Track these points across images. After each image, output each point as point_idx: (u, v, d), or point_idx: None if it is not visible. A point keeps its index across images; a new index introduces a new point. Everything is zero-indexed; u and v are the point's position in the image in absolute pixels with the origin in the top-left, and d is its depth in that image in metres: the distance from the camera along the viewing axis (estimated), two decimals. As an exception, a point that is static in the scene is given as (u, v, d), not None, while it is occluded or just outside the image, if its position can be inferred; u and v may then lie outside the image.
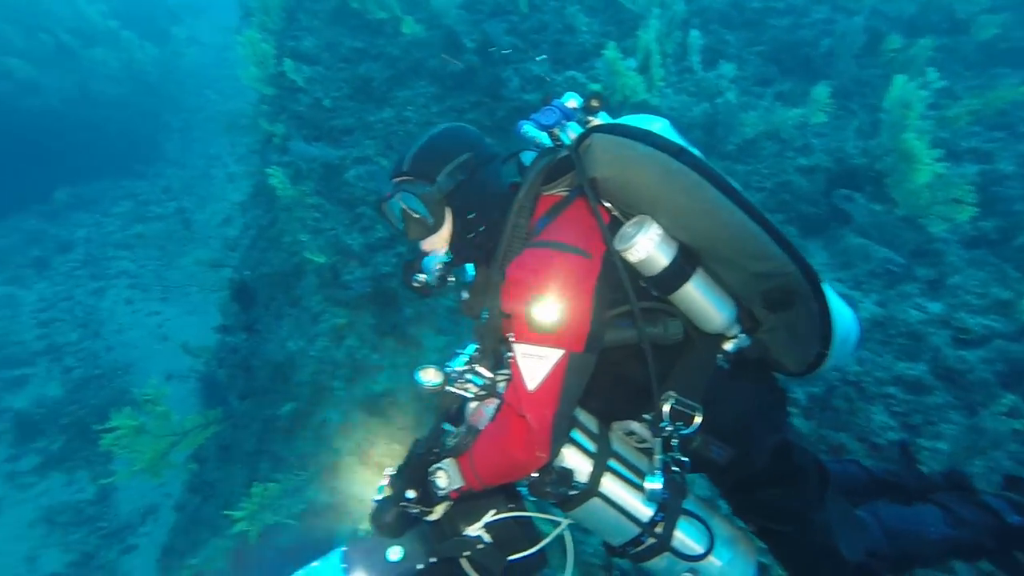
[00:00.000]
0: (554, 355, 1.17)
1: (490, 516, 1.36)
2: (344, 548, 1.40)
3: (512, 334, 1.21)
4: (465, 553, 1.33)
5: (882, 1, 4.76)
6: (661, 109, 4.45)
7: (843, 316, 1.29)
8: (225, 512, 3.60)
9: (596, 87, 4.50)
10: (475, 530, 1.35)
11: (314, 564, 1.38)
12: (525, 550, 1.35)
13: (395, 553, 1.34)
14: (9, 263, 9.15)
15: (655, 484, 1.25)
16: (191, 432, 4.43)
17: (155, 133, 11.94)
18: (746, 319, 1.30)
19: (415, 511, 1.33)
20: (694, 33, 4.32)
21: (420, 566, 1.35)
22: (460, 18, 5.13)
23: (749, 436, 1.33)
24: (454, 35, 4.86)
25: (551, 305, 1.16)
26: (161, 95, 12.16)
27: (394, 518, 1.33)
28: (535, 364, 1.18)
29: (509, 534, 1.37)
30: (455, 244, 1.42)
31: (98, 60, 10.84)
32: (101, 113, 11.04)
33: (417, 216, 1.39)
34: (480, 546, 1.33)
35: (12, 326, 8.14)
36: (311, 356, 4.32)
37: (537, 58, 4.02)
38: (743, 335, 1.30)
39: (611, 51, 4.06)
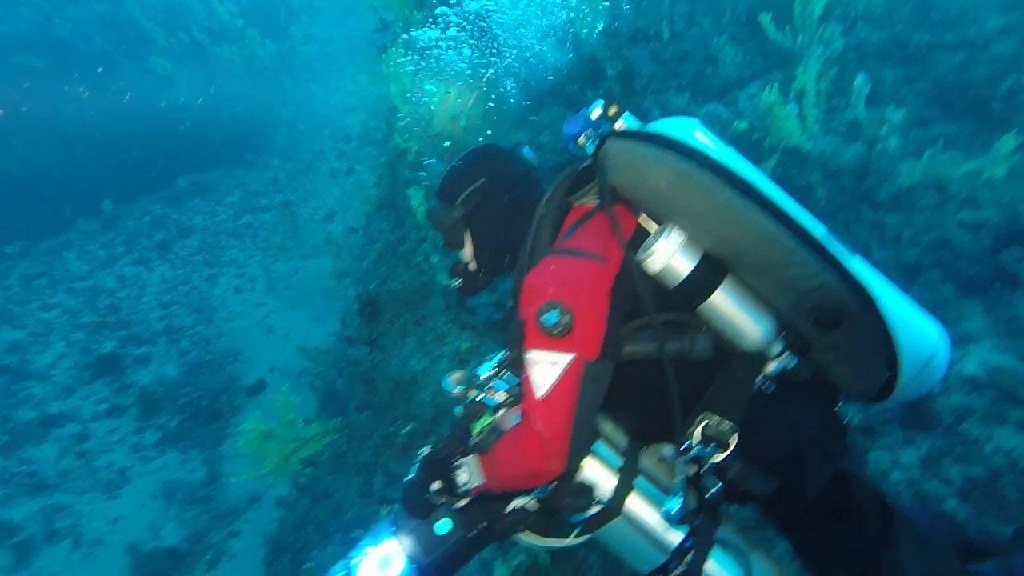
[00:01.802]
0: (564, 360, 1.13)
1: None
2: (393, 515, 1.44)
3: (525, 341, 1.17)
4: (521, 528, 1.32)
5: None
6: (812, 153, 4.21)
7: (920, 335, 1.15)
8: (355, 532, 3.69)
9: (743, 125, 4.31)
10: (522, 500, 1.32)
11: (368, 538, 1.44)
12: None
13: (444, 525, 1.36)
14: (137, 245, 9.88)
15: (673, 506, 1.16)
16: (312, 439, 4.60)
17: (266, 125, 12.55)
18: (792, 337, 1.18)
19: (440, 501, 1.35)
20: (861, 77, 4.05)
21: (471, 533, 1.36)
22: (600, 43, 5.05)
23: (798, 468, 1.21)
24: (596, 62, 4.78)
25: (561, 310, 1.11)
26: (275, 89, 12.78)
27: (421, 503, 1.36)
28: (545, 370, 1.13)
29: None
30: (478, 258, 1.53)
31: (225, 56, 11.54)
32: (223, 105, 11.73)
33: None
34: (533, 517, 1.32)
35: (138, 305, 8.78)
36: (433, 378, 4.38)
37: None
38: (788, 355, 1.18)
39: (771, 95, 3.86)
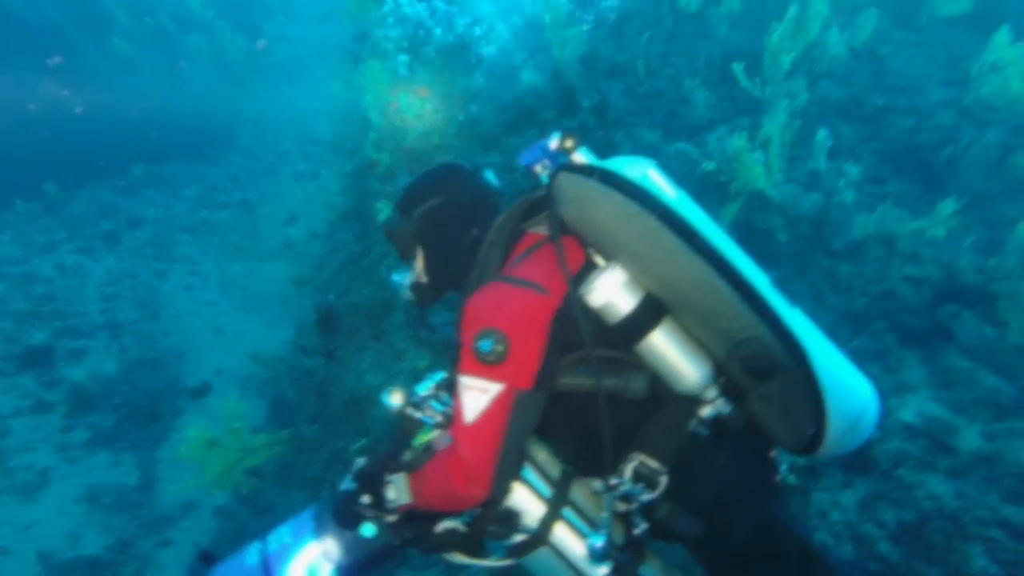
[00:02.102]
0: (495, 388, 1.14)
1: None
2: (315, 509, 1.44)
3: (460, 364, 1.19)
4: (449, 549, 1.33)
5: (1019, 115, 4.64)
6: (774, 199, 4.39)
7: (849, 394, 1.18)
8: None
9: (711, 166, 4.46)
10: (450, 523, 1.33)
11: (285, 526, 1.44)
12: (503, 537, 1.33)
13: (369, 529, 1.36)
14: (82, 233, 9.39)
15: (597, 541, 1.18)
16: (258, 449, 4.44)
17: (230, 121, 12.22)
18: (728, 384, 1.22)
19: (369, 515, 1.35)
20: (823, 131, 4.27)
21: (395, 542, 1.37)
22: (577, 73, 5.16)
23: (726, 513, 1.24)
24: (573, 91, 4.87)
25: (497, 337, 1.13)
26: (242, 85, 12.48)
27: (349, 514, 1.36)
28: (475, 397, 1.15)
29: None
30: (429, 273, 1.53)
31: (192, 47, 11.21)
32: (186, 96, 11.37)
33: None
34: (458, 540, 1.32)
35: (78, 296, 8.32)
36: (390, 394, 4.31)
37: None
38: (723, 401, 1.21)
39: (739, 140, 4.02)
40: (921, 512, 3.59)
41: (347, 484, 1.38)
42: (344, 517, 1.36)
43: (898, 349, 4.39)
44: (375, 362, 4.44)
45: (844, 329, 4.41)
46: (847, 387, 1.18)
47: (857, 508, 3.63)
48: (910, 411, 3.91)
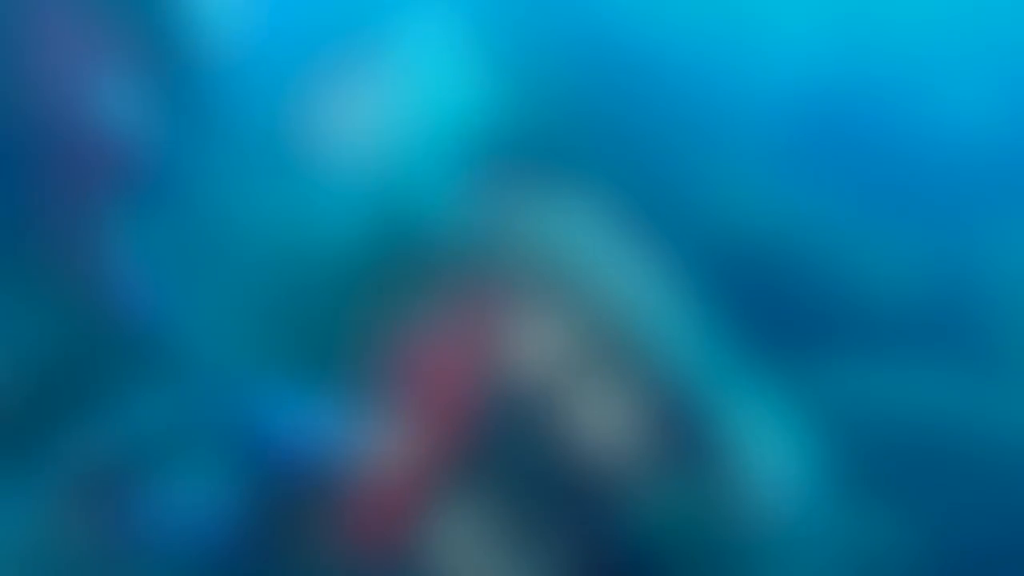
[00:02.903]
0: (418, 427, 1.15)
1: None
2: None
3: (388, 400, 1.24)
4: None
5: None
6: (744, 232, 4.46)
7: (778, 469, 1.19)
8: None
9: (688, 199, 4.52)
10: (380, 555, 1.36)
11: None
12: None
13: None
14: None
15: None
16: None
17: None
18: (652, 449, 1.25)
19: (296, 535, 1.38)
20: (797, 163, 4.35)
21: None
22: (550, 100, 5.18)
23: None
24: (544, 116, 4.91)
25: (419, 378, 1.17)
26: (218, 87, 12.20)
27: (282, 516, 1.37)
28: (399, 434, 1.16)
29: None
30: None
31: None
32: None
33: None
34: None
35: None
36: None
37: None
38: (647, 470, 1.24)
39: (712, 173, 4.07)
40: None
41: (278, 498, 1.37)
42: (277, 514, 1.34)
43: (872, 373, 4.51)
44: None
45: (814, 355, 4.52)
46: (767, 460, 1.20)
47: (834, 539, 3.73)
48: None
